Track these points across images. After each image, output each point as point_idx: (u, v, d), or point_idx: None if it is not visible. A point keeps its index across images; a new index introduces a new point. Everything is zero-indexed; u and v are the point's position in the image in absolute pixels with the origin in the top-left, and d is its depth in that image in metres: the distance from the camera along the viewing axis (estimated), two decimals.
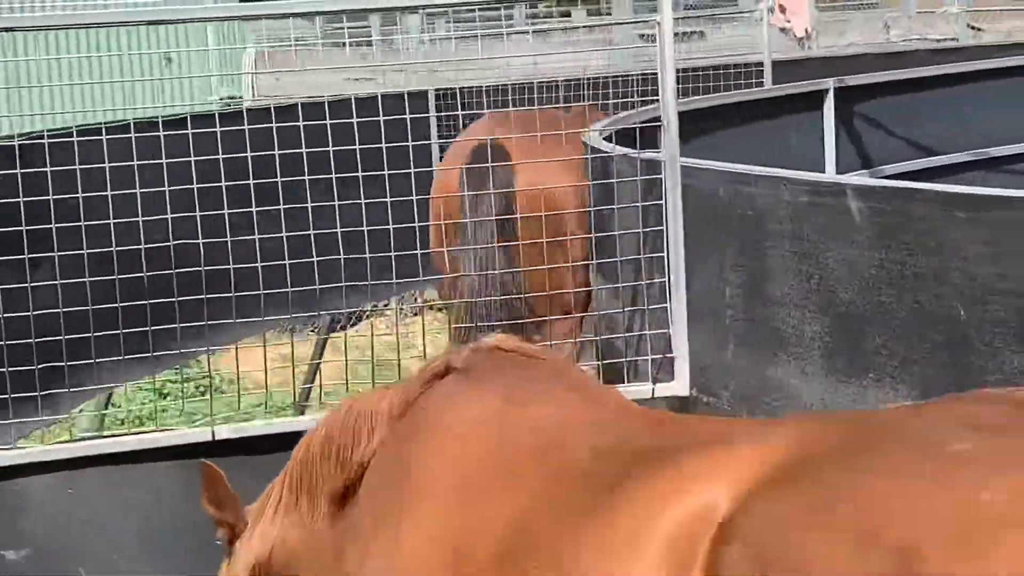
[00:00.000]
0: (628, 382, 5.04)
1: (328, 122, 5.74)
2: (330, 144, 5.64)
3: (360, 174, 5.66)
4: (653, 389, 4.94)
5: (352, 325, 12.42)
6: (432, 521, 3.09)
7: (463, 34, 12.18)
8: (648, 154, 5.17)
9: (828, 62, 12.69)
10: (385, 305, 10.22)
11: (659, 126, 7.49)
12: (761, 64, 12.25)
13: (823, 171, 9.31)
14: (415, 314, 10.30)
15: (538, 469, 2.96)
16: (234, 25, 14.68)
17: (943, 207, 3.74)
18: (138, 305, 5.64)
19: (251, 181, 6.36)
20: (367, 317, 12.13)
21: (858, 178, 4.32)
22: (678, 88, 5.31)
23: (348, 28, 13.77)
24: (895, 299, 3.90)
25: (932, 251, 3.76)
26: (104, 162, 5.76)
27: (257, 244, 5.76)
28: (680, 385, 4.93)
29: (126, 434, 5.64)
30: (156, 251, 6.18)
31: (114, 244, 5.77)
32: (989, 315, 3.59)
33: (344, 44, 14.64)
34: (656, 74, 5.31)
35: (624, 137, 6.76)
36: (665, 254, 4.94)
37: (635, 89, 12.07)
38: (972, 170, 10.54)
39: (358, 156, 5.65)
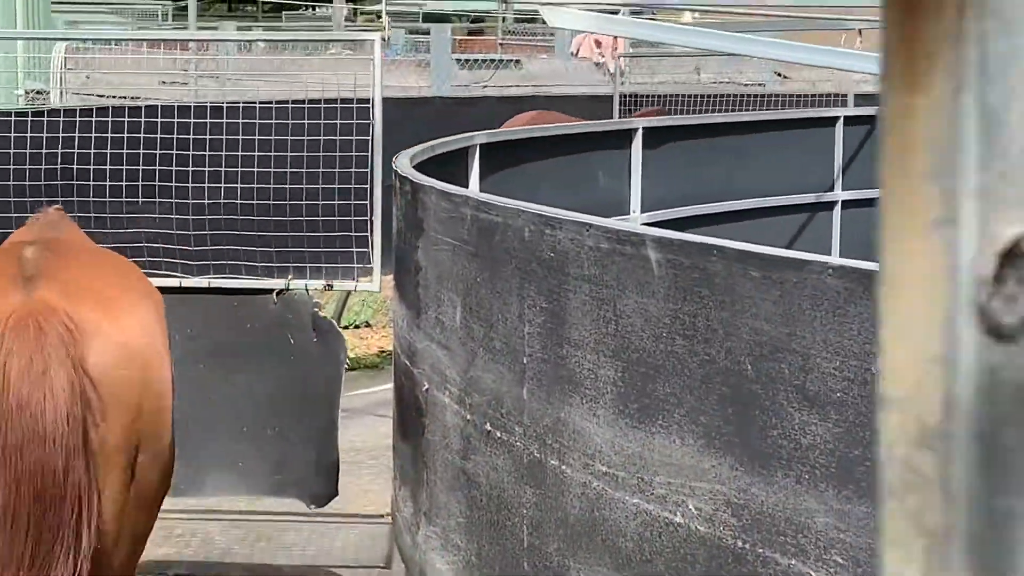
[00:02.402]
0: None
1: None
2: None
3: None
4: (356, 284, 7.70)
5: None
6: None
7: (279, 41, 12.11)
8: None
9: (638, 99, 12.95)
10: None
11: (465, 150, 7.60)
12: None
13: (628, 210, 9.51)
14: None
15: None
16: (42, 20, 14.39)
17: (737, 264, 3.86)
18: None
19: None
20: None
21: (658, 229, 4.43)
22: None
23: (165, 33, 13.62)
24: (687, 350, 4.01)
25: (724, 306, 3.88)
26: None
27: None
28: (373, 284, 7.62)
29: None
30: None
31: None
32: (775, 372, 3.72)
33: (159, 44, 14.44)
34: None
35: (434, 164, 6.83)
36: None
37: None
38: (777, 214, 10.86)
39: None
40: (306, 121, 7.41)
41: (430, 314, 5.45)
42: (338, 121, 7.39)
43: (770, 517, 3.72)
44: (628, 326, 4.22)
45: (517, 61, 15.91)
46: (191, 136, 7.36)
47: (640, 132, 9.67)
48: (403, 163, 6.07)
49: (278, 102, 7.72)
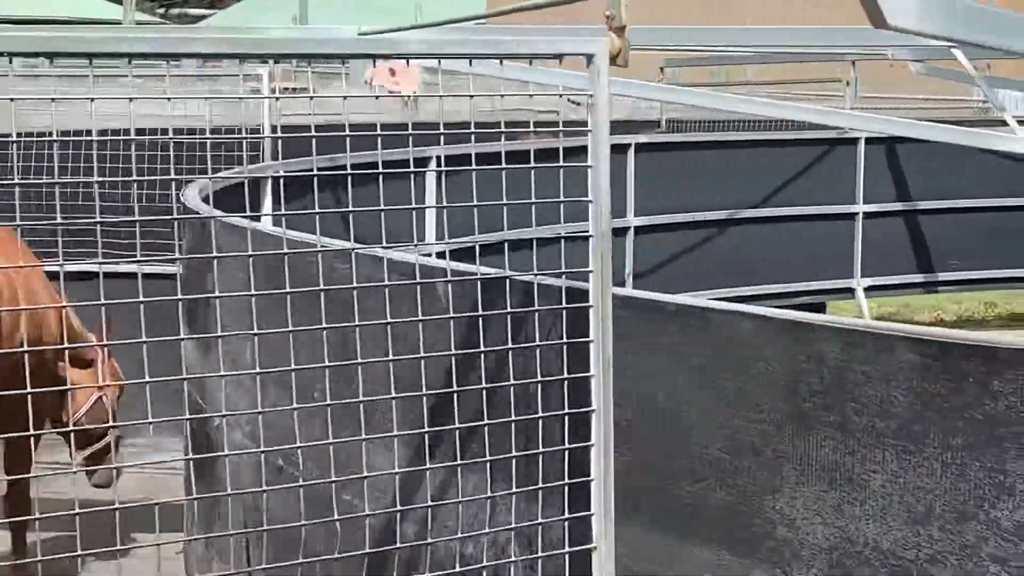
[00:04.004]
0: None
1: None
2: None
3: None
4: None
5: None
6: None
7: (69, 73, 11.85)
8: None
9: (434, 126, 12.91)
10: None
11: (258, 181, 7.53)
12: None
13: (425, 239, 9.50)
14: None
15: None
16: None
17: (525, 296, 3.89)
18: None
19: None
20: None
21: (450, 263, 4.44)
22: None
23: None
24: (475, 383, 4.02)
25: (513, 338, 3.90)
26: None
27: None
28: None
29: None
30: None
31: None
32: (554, 402, 3.75)
33: None
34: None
35: (225, 196, 6.75)
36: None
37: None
38: (573, 240, 10.95)
39: None
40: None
41: (221, 349, 5.38)
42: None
43: (560, 547, 3.74)
44: (419, 360, 4.22)
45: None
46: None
47: (434, 161, 9.69)
48: (191, 195, 5.99)
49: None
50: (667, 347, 3.46)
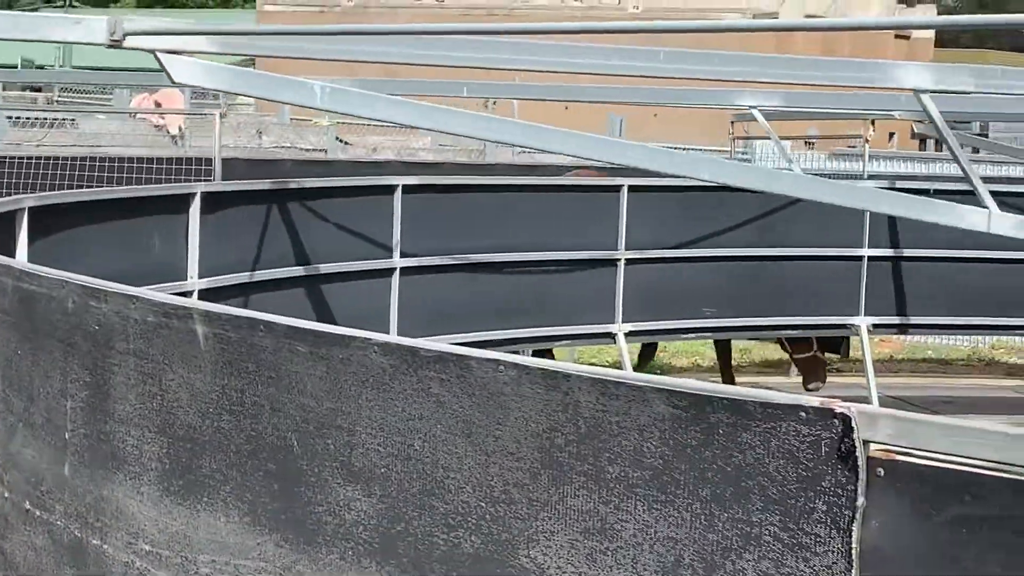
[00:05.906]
0: None
1: None
2: None
3: None
4: None
5: None
6: None
7: None
8: None
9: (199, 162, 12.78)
10: None
11: (13, 213, 7.32)
12: (151, 159, 12.07)
13: (185, 276, 9.36)
14: None
15: None
16: None
17: (285, 339, 3.85)
18: None
19: None
20: None
21: (205, 303, 4.38)
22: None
23: None
24: (233, 426, 3.97)
25: (271, 382, 3.86)
26: None
27: None
28: None
29: None
30: None
31: None
32: (320, 448, 3.72)
33: None
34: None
35: None
36: None
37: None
38: (339, 280, 10.90)
39: None
40: None
41: None
42: None
43: None
44: (174, 401, 4.14)
45: (72, 120, 15.45)
46: None
47: (199, 196, 9.55)
48: None
49: None
50: (423, 393, 3.46)
